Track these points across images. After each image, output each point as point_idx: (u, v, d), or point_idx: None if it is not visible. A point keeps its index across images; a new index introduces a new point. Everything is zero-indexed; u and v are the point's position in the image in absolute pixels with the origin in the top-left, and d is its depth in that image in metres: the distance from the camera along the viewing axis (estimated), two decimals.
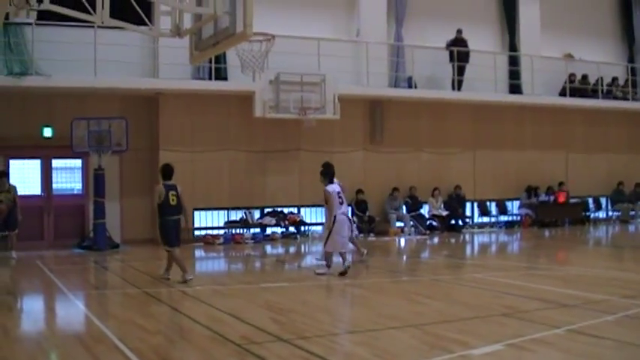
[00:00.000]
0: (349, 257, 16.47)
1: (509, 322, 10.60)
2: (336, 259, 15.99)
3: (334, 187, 16.28)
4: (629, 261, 20.68)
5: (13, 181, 20.91)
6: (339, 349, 9.09)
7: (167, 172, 15.25)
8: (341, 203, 16.19)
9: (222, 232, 24.25)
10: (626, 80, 32.86)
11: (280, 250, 22.51)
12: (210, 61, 23.37)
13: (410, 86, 27.40)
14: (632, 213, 31.82)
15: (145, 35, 21.27)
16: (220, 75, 24.18)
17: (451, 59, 27.83)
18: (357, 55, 26.63)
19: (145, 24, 12.88)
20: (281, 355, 8.67)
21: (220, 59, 23.71)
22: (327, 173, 16.60)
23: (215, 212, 24.69)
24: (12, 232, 19.93)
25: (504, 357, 8.63)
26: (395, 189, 26.47)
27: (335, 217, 16.02)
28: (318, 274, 15.85)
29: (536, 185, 29.82)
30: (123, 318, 11.61)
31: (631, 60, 33.63)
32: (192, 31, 13.35)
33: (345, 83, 25.17)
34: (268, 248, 22.88)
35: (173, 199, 14.97)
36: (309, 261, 20.00)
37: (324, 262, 16.32)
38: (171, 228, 15.05)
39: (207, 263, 19.53)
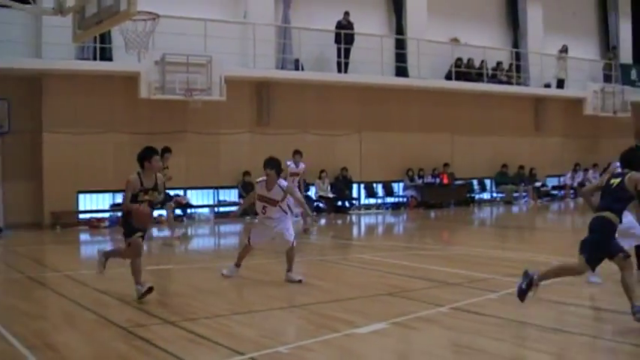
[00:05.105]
0: None
1: (395, 301, 11.06)
2: None
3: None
4: (512, 241, 21.64)
5: None
6: (226, 331, 9.22)
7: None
8: None
9: (107, 215, 24.24)
10: (511, 65, 34.16)
11: (167, 232, 22.60)
12: (95, 41, 23.34)
13: (296, 68, 27.81)
14: (516, 194, 33.01)
15: (28, 13, 21.13)
16: (105, 55, 24.11)
17: (337, 41, 28.29)
18: (244, 36, 26.73)
19: (27, 2, 12.83)
20: (167, 338, 8.83)
21: (105, 39, 23.72)
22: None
23: (100, 195, 24.61)
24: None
25: (389, 335, 9.02)
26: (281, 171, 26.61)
27: None
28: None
29: (420, 167, 30.66)
30: (5, 303, 11.58)
31: (515, 45, 34.91)
32: (76, 9, 13.37)
33: (231, 65, 25.47)
34: (154, 231, 22.91)
35: None
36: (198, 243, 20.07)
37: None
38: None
39: (93, 247, 19.48)
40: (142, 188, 11.18)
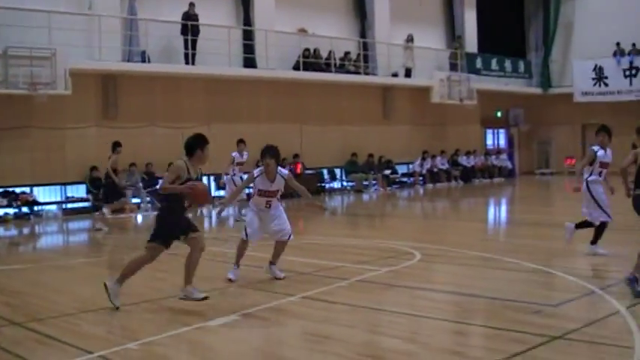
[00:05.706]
0: None
1: (246, 293, 11.28)
2: None
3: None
4: (362, 228, 22.30)
5: None
6: (74, 329, 9.17)
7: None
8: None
9: None
10: (358, 55, 34.71)
11: (13, 231, 22.25)
12: None
13: (143, 60, 27.71)
14: (366, 183, 33.63)
15: None
16: None
17: (183, 33, 28.33)
18: (90, 28, 26.35)
19: None
20: (13, 339, 8.76)
21: None
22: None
23: None
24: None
25: (240, 326, 9.23)
26: (131, 164, 26.53)
27: None
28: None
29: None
30: None
31: (363, 35, 35.54)
32: None
33: (76, 57, 25.11)
34: (0, 230, 22.54)
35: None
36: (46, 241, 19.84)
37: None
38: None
39: None
40: (189, 177, 10.01)
